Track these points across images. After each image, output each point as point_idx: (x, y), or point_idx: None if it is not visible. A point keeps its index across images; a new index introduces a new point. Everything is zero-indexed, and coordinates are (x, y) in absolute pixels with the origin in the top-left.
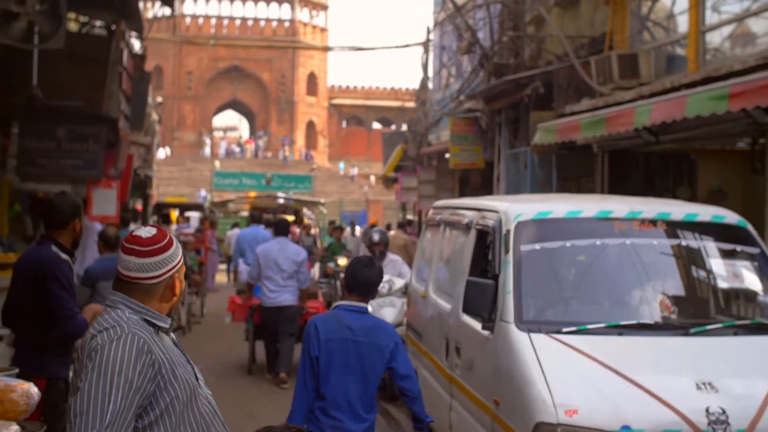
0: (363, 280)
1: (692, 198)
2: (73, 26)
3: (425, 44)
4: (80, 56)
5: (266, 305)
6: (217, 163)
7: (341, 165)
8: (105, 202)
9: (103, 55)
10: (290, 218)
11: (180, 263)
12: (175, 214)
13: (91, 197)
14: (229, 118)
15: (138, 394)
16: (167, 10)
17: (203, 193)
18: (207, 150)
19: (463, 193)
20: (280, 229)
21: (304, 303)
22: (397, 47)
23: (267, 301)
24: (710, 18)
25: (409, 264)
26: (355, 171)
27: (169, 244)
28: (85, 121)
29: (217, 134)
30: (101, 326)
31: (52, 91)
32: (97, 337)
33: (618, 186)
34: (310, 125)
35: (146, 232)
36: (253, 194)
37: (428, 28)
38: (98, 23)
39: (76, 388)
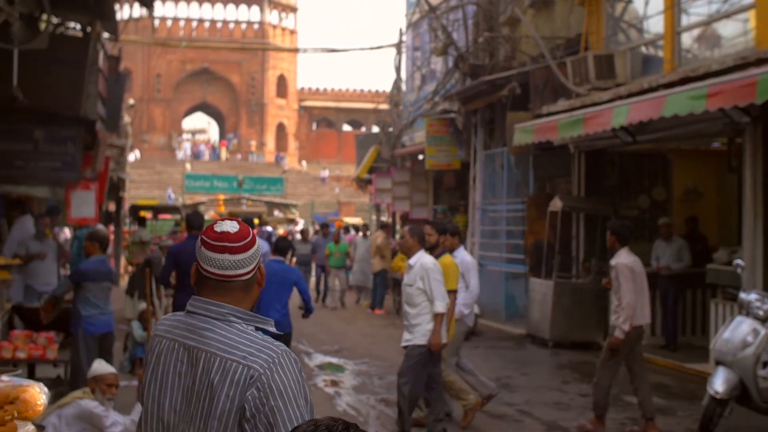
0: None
1: (668, 197)
2: (44, 27)
3: (398, 46)
4: (58, 58)
5: None
6: (188, 166)
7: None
8: (83, 204)
9: (80, 57)
10: (256, 221)
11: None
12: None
13: (70, 199)
14: (198, 120)
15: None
16: (136, 13)
17: (171, 193)
18: (180, 153)
19: (437, 194)
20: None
21: None
22: (369, 49)
23: None
24: (685, 20)
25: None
26: (326, 173)
27: (254, 239)
28: (63, 123)
29: (186, 137)
30: (239, 351)
31: (29, 92)
32: (250, 366)
33: (594, 186)
34: (281, 127)
35: (231, 227)
36: (222, 197)
37: (401, 30)
38: (71, 24)
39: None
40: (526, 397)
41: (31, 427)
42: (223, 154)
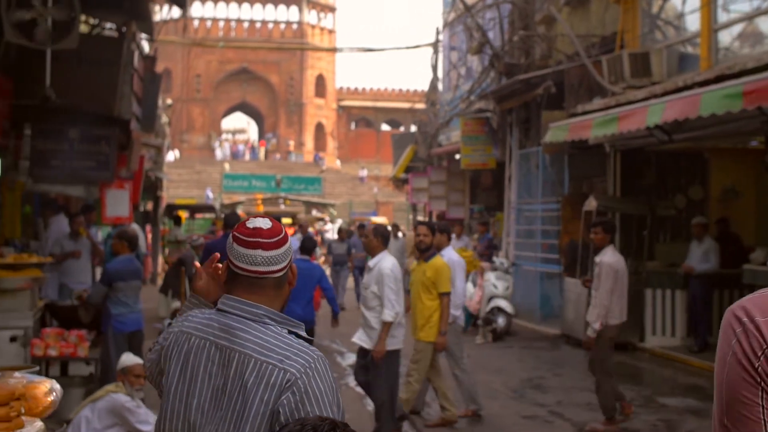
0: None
1: (705, 197)
2: (83, 28)
3: (434, 45)
4: (92, 58)
5: None
6: (227, 165)
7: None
8: (118, 203)
9: (114, 57)
10: (287, 220)
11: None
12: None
13: (104, 199)
14: (238, 120)
15: None
16: (176, 13)
17: (209, 193)
18: (219, 153)
19: (474, 194)
20: None
21: None
22: (406, 48)
23: None
24: (721, 17)
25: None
26: (364, 173)
27: (286, 236)
28: (98, 123)
29: (226, 136)
30: (275, 354)
31: (64, 92)
32: (286, 370)
33: (630, 185)
34: (319, 127)
35: (264, 223)
36: (260, 196)
37: (437, 29)
38: (108, 25)
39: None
40: (558, 398)
41: (39, 423)
42: (262, 153)
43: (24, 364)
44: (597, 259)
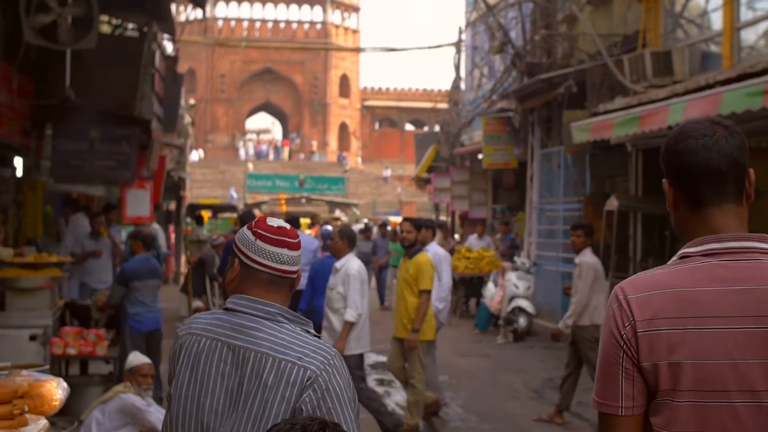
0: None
1: None
2: (105, 29)
3: (457, 44)
4: (113, 58)
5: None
6: (251, 165)
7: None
8: (138, 203)
9: (135, 57)
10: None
11: None
12: (207, 215)
13: (125, 198)
14: (262, 120)
15: None
16: (200, 13)
17: (233, 193)
18: (243, 153)
19: (496, 194)
20: (292, 223)
21: None
22: (428, 48)
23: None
24: (744, 15)
25: None
26: (388, 172)
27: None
28: (118, 123)
29: (251, 136)
30: (292, 351)
31: (85, 92)
32: (306, 368)
33: (652, 185)
34: (343, 127)
35: (283, 222)
36: (284, 196)
37: (460, 29)
38: (130, 25)
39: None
40: (577, 398)
41: (44, 421)
42: (286, 153)
43: (33, 363)
44: (576, 260)
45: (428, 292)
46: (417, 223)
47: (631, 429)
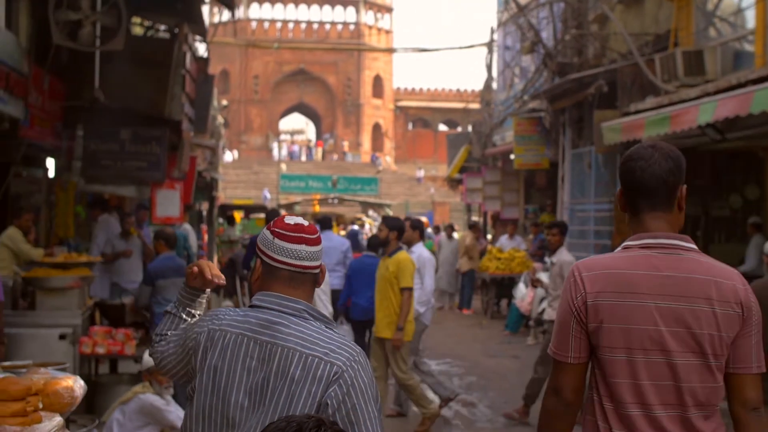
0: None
1: (761, 196)
2: (138, 30)
3: (489, 45)
4: (143, 59)
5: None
6: (284, 166)
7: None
8: (168, 203)
9: (165, 58)
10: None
11: None
12: (239, 215)
13: (155, 199)
14: (295, 121)
15: None
16: (233, 14)
17: (267, 193)
18: (277, 153)
19: (528, 194)
20: (324, 223)
21: None
22: (460, 48)
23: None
24: None
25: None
26: (421, 173)
27: (318, 233)
28: (149, 124)
29: (285, 137)
30: (319, 347)
31: (115, 94)
32: (333, 363)
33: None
34: (377, 128)
35: (301, 220)
36: (317, 197)
37: (492, 29)
38: (162, 27)
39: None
40: None
41: (58, 419)
42: (319, 154)
43: (53, 360)
44: (554, 259)
45: (410, 289)
46: (389, 223)
47: (575, 372)
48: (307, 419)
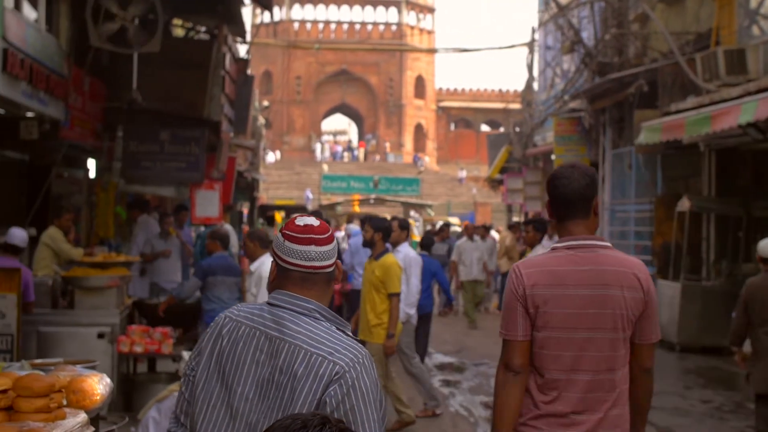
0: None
1: None
2: (179, 32)
3: (530, 44)
4: (183, 61)
5: (356, 288)
6: (326, 167)
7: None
8: (207, 203)
9: (205, 60)
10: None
11: None
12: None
13: (194, 199)
14: (338, 121)
15: None
16: (275, 16)
17: (309, 194)
18: (319, 154)
19: None
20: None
21: None
22: (501, 48)
23: (357, 284)
24: None
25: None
26: (463, 173)
27: (333, 233)
28: (187, 125)
29: (328, 138)
30: (324, 347)
31: (154, 95)
32: (335, 363)
33: (726, 185)
34: (419, 128)
35: (312, 220)
36: (357, 197)
37: (533, 28)
38: (203, 29)
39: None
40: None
41: (83, 415)
42: (361, 154)
43: (83, 359)
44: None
45: (397, 295)
46: (375, 224)
47: (522, 349)
48: (313, 417)
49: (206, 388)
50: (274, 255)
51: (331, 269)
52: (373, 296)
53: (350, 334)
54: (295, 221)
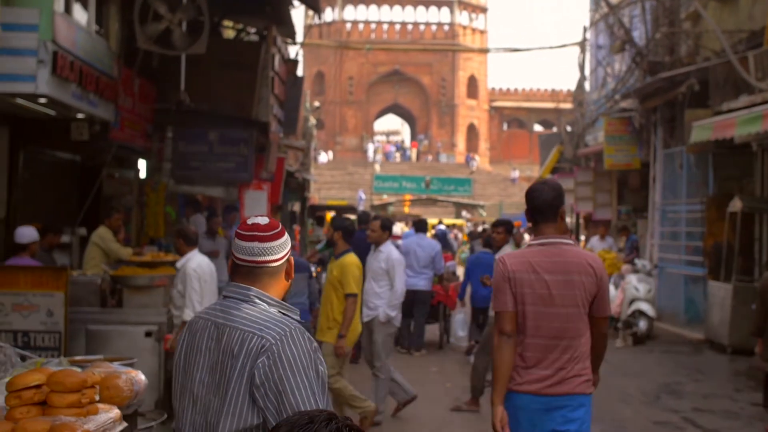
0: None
1: None
2: (230, 33)
3: (581, 44)
4: (231, 62)
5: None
6: (378, 167)
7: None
8: (256, 204)
9: (253, 61)
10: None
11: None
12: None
13: (243, 199)
14: (390, 122)
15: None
16: (327, 17)
17: (362, 194)
18: (371, 154)
19: (621, 195)
20: (419, 226)
21: (443, 285)
22: (553, 48)
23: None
24: None
25: None
26: (516, 174)
27: (283, 231)
28: (236, 125)
29: (380, 138)
30: (256, 325)
31: (203, 96)
32: (263, 337)
33: None
34: (471, 128)
35: (262, 219)
36: (409, 197)
37: (584, 28)
38: (252, 30)
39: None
40: (693, 404)
41: (116, 411)
42: (414, 155)
43: (121, 356)
44: (497, 257)
45: (354, 296)
46: (335, 223)
47: (512, 317)
48: (319, 413)
49: (178, 380)
50: (231, 253)
51: (276, 264)
52: (332, 296)
53: (297, 318)
54: (247, 221)
